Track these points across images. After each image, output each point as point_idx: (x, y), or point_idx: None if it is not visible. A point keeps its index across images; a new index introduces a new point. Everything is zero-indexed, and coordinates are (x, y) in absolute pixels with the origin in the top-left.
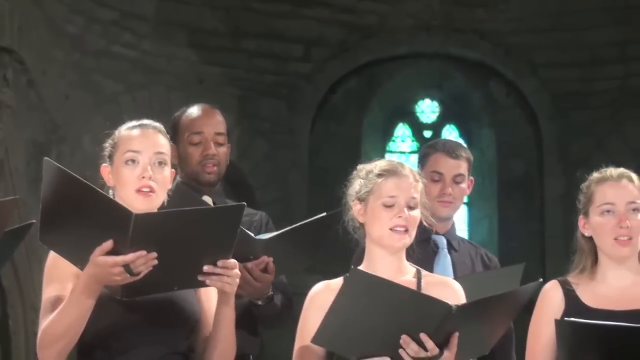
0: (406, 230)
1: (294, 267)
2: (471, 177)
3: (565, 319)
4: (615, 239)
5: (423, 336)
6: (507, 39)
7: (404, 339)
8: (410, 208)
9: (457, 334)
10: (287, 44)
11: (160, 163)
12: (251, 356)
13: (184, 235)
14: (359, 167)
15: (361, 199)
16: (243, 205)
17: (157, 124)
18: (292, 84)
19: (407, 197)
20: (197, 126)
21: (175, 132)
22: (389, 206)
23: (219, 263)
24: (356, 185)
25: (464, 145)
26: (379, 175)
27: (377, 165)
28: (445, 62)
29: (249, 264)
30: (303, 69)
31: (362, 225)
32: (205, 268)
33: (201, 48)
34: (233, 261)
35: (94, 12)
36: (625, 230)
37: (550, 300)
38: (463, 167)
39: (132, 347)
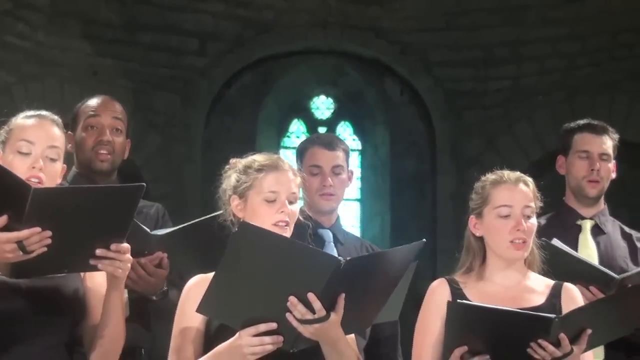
0: (287, 225)
1: (190, 263)
2: (351, 169)
3: (458, 300)
4: (512, 241)
5: (310, 296)
6: (402, 37)
7: (291, 300)
8: (290, 203)
9: (343, 295)
10: (182, 38)
11: (52, 156)
12: (143, 349)
13: (81, 214)
14: (233, 160)
15: (240, 195)
16: (143, 185)
17: (55, 117)
18: (187, 78)
19: (288, 192)
20: (96, 110)
21: (73, 120)
22: (270, 201)
23: (113, 247)
24: (233, 179)
25: (340, 138)
26: (259, 170)
27: (256, 160)
28: (341, 59)
29: (143, 260)
30: (198, 63)
31: (240, 220)
32: (99, 252)
33: (96, 40)
34: (126, 245)
35: None
36: (522, 234)
37: (438, 297)
38: (341, 157)
39: (19, 336)
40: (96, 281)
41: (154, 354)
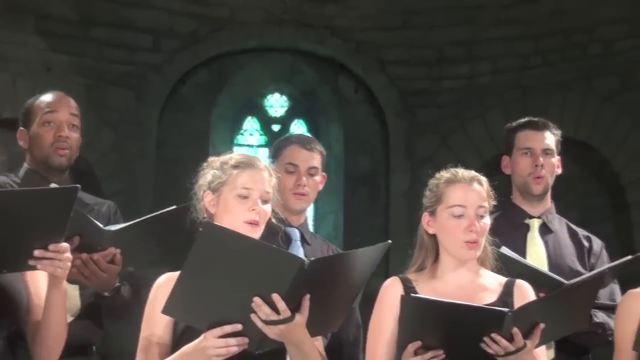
0: (257, 224)
1: (142, 259)
2: (323, 173)
3: (411, 294)
4: (465, 241)
5: (275, 297)
6: (357, 35)
7: (256, 301)
8: (264, 202)
9: (308, 296)
10: (136, 34)
11: None
12: (94, 346)
13: (15, 217)
14: (211, 158)
15: (214, 190)
16: (76, 187)
17: None
18: (141, 75)
19: (262, 190)
20: (52, 106)
21: (27, 116)
22: (243, 198)
23: (51, 247)
24: (209, 175)
25: (317, 140)
26: (235, 166)
27: (233, 157)
28: (295, 57)
29: (96, 255)
30: (152, 59)
31: (212, 216)
32: (37, 253)
33: (50, 35)
34: (65, 245)
35: None
36: (475, 235)
37: (391, 296)
38: (317, 159)
39: None
40: (37, 280)
41: (105, 350)
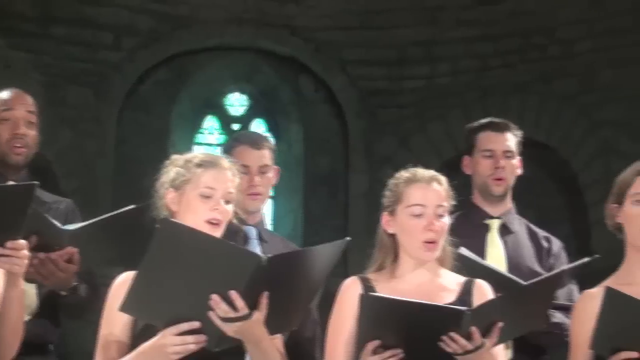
0: (218, 224)
1: (101, 258)
2: (275, 166)
3: (370, 293)
4: (423, 241)
5: (232, 293)
6: (317, 35)
7: (214, 298)
8: (226, 202)
9: (266, 293)
10: (97, 32)
11: None
12: (51, 345)
13: None
14: (174, 156)
15: (176, 188)
16: (33, 184)
17: None
18: (101, 73)
19: (225, 190)
20: (8, 103)
21: None
22: (205, 197)
23: (8, 244)
24: (171, 173)
25: (265, 135)
26: (199, 165)
27: (197, 156)
28: (256, 56)
29: (53, 255)
30: (113, 57)
31: (173, 214)
32: None
33: (9, 32)
34: (22, 241)
35: None
36: (433, 234)
37: (351, 295)
38: (267, 157)
39: None
40: None
41: (63, 349)
